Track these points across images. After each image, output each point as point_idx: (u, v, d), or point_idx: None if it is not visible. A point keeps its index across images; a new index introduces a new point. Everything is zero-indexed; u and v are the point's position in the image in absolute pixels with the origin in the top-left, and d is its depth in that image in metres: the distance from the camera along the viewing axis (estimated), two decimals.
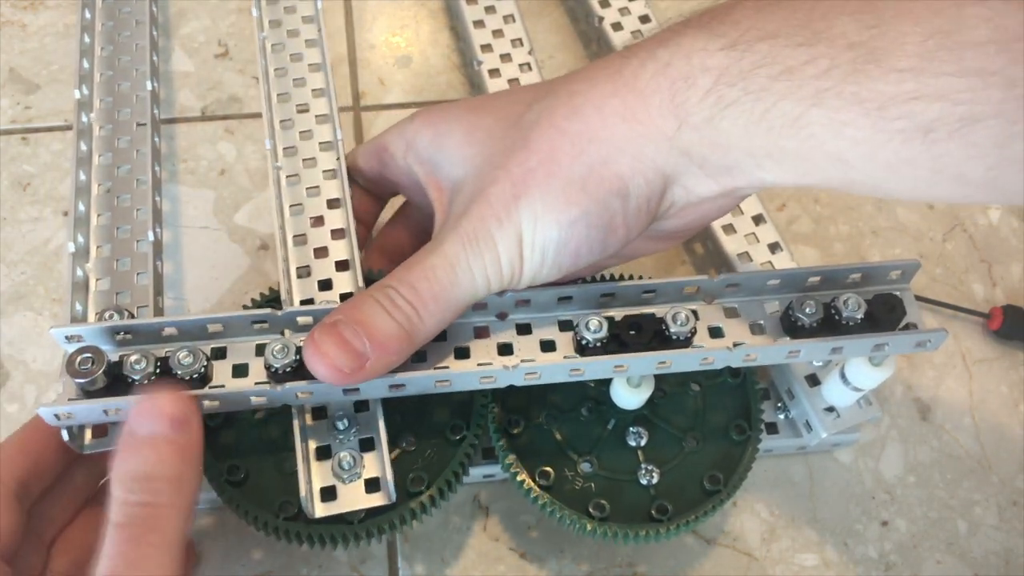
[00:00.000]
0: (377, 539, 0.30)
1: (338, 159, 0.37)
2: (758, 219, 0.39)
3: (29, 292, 0.40)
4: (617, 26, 0.45)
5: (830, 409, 0.35)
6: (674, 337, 0.30)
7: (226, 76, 0.46)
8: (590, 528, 0.31)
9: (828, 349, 0.30)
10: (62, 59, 0.46)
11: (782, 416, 0.37)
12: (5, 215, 0.42)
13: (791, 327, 0.30)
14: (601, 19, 0.45)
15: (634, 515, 0.31)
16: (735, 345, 0.30)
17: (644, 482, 0.32)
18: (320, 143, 0.38)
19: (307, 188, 0.36)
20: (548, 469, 0.32)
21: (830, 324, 0.30)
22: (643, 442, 0.32)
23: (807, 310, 0.30)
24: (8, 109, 0.45)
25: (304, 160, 0.37)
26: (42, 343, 0.39)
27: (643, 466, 0.32)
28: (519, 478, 0.32)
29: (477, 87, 0.45)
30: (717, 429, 0.33)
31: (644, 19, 0.45)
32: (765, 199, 0.39)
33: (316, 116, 0.38)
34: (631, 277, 0.35)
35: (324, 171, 0.37)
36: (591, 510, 0.31)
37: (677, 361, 0.30)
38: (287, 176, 0.36)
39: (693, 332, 0.30)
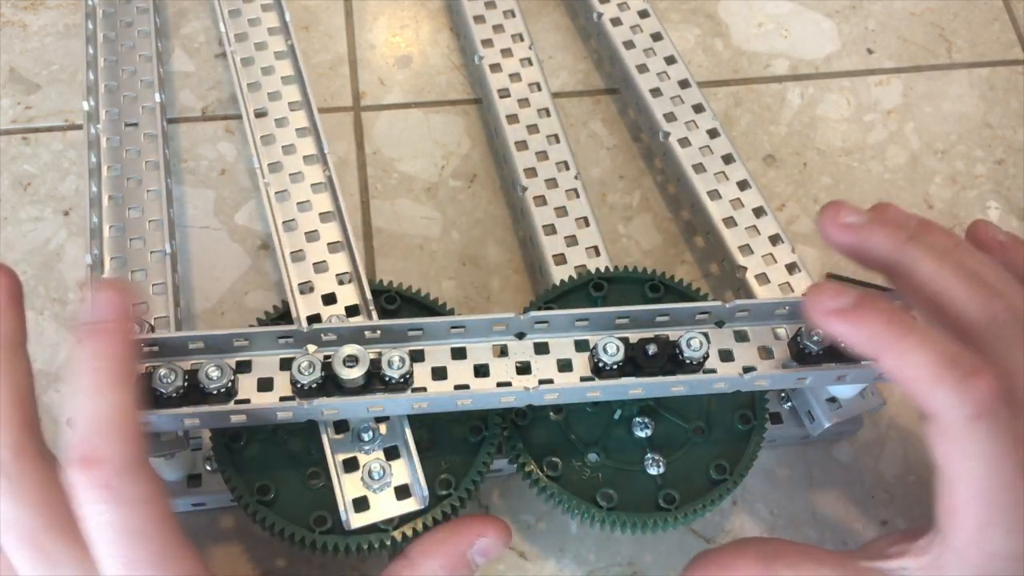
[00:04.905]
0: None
1: (325, 171, 0.37)
2: (759, 211, 0.39)
3: (30, 292, 0.40)
4: (616, 21, 0.45)
5: (832, 399, 0.35)
6: (687, 361, 0.31)
7: (226, 76, 0.46)
8: (598, 518, 0.31)
9: (834, 376, 0.31)
10: (63, 59, 0.46)
11: (786, 406, 0.37)
12: (6, 215, 0.42)
13: (799, 354, 0.31)
14: (600, 15, 0.45)
15: (641, 505, 0.32)
16: (746, 371, 0.31)
17: (651, 472, 0.32)
18: (304, 156, 0.38)
19: (297, 203, 0.36)
20: (556, 460, 0.32)
21: (834, 352, 0.31)
22: (649, 432, 0.33)
23: (815, 338, 0.31)
24: (9, 109, 0.45)
25: (291, 175, 0.37)
26: (43, 343, 0.39)
27: (650, 456, 0.32)
28: (527, 469, 0.32)
29: (478, 83, 0.45)
30: (723, 419, 0.33)
31: (643, 14, 0.45)
32: (765, 197, 0.40)
33: (296, 129, 0.39)
34: (635, 269, 0.35)
35: (312, 184, 0.37)
36: (599, 500, 0.31)
37: (691, 385, 0.31)
38: (276, 192, 0.37)
39: (706, 356, 0.31)
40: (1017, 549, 0.26)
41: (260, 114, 0.39)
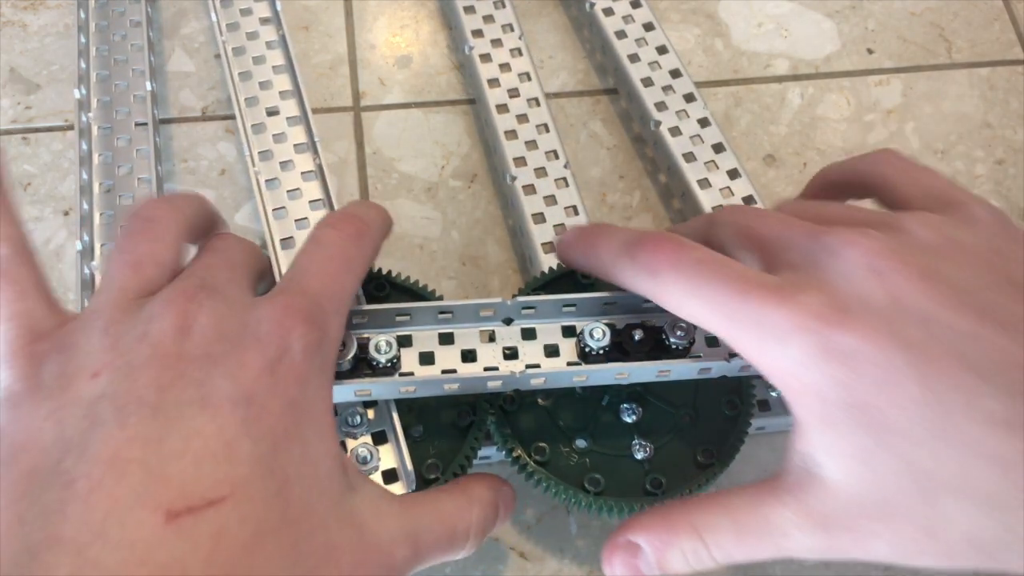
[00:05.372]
0: None
1: (314, 159, 0.37)
2: (748, 200, 0.39)
3: None
4: (608, 11, 0.45)
5: None
6: (673, 347, 0.31)
7: (226, 76, 0.46)
8: (585, 503, 0.31)
9: None
10: (63, 59, 0.46)
11: (774, 394, 0.37)
12: None
13: None
14: (592, 4, 0.45)
15: (629, 489, 0.32)
16: (731, 356, 0.31)
17: (638, 457, 0.32)
18: (295, 145, 0.38)
19: (287, 191, 0.37)
20: (543, 445, 0.32)
21: None
22: (637, 418, 0.33)
23: None
24: (8, 109, 0.45)
25: (281, 163, 0.38)
26: None
27: (637, 441, 0.32)
28: (515, 454, 0.32)
29: (468, 72, 0.45)
30: (710, 405, 0.33)
31: (635, 4, 0.45)
32: (762, 195, 0.40)
33: (287, 118, 0.39)
34: None
35: (302, 173, 0.37)
36: (586, 485, 0.31)
37: (676, 370, 0.31)
38: (266, 180, 0.37)
39: (691, 342, 0.31)
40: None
41: (251, 103, 0.39)
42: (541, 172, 0.40)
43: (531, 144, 0.41)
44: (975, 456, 0.23)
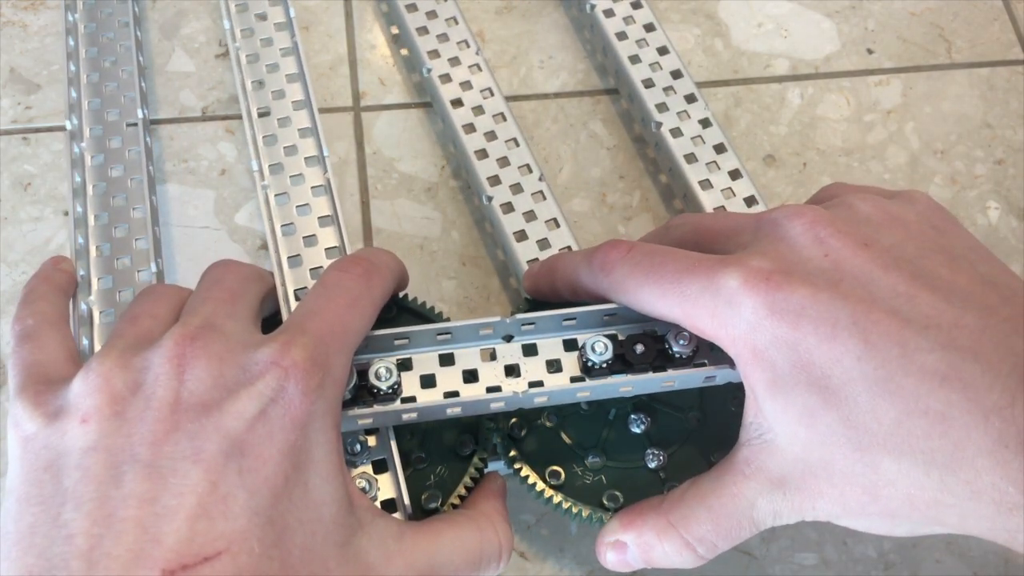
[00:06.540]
0: None
1: (325, 174, 0.37)
2: (750, 200, 0.39)
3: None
4: (609, 12, 0.45)
5: None
6: (676, 355, 0.30)
7: (226, 76, 0.46)
8: (608, 520, 0.31)
9: None
10: (63, 59, 0.46)
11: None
12: (6, 215, 0.42)
13: None
14: (593, 6, 0.45)
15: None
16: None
17: (652, 466, 0.32)
18: (305, 158, 0.37)
19: (297, 206, 0.36)
20: (558, 469, 0.32)
21: None
22: (646, 427, 0.33)
23: None
24: (9, 109, 0.45)
25: (291, 177, 0.37)
26: None
27: (649, 451, 0.32)
28: (531, 481, 0.32)
29: (429, 93, 0.44)
30: (717, 405, 0.33)
31: (636, 5, 0.45)
32: (765, 197, 0.40)
33: (299, 130, 0.38)
34: None
35: (312, 187, 0.37)
36: (605, 502, 0.31)
37: (681, 380, 0.31)
38: (275, 195, 0.36)
39: (695, 350, 0.30)
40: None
41: (263, 113, 0.39)
42: (517, 188, 0.40)
43: (503, 161, 0.40)
44: (911, 411, 0.24)
